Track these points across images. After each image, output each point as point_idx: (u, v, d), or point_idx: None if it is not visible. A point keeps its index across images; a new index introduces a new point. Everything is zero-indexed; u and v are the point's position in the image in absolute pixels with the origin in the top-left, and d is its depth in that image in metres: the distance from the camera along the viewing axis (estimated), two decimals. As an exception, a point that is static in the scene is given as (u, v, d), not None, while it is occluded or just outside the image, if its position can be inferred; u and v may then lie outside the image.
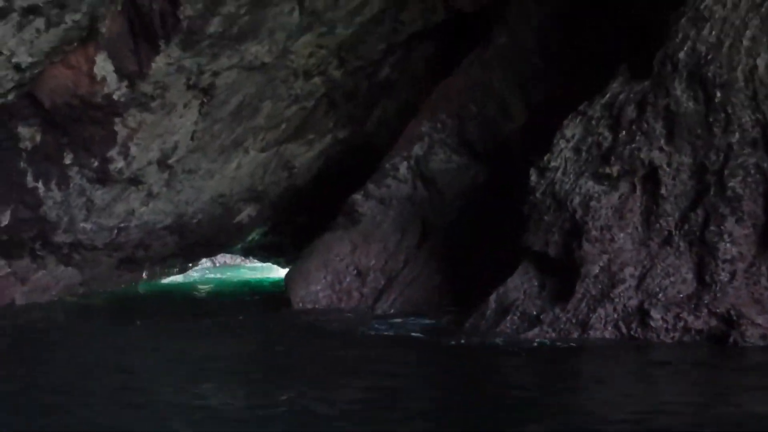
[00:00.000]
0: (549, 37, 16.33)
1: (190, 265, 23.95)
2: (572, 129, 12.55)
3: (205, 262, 30.92)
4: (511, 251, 13.83)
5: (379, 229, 16.70)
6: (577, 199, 12.34)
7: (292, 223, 22.25)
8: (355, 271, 16.54)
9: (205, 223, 19.00)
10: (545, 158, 12.71)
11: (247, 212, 19.86)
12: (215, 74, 15.16)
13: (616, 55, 14.02)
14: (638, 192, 11.97)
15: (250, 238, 22.08)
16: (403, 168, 16.80)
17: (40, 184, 15.39)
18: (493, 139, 16.39)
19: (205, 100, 15.66)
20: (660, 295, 11.43)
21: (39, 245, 16.35)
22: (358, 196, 16.94)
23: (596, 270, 12.05)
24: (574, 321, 11.79)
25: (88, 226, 16.53)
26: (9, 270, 16.43)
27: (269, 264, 27.88)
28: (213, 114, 16.10)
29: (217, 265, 36.20)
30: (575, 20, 15.72)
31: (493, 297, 13.15)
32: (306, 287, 16.51)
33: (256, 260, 28.48)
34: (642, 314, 11.42)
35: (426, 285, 15.73)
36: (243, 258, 33.48)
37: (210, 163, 17.31)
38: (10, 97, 13.69)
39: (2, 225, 15.53)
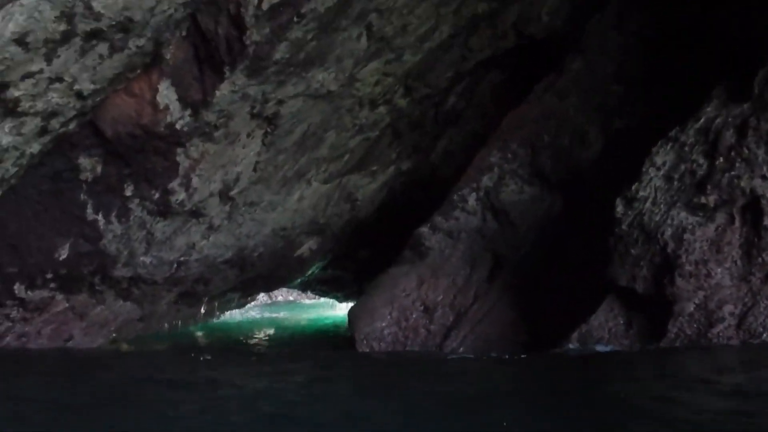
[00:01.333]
0: (629, 62, 15.51)
1: (249, 299, 23.27)
2: (663, 156, 11.64)
3: (262, 297, 30.26)
4: (593, 286, 12.93)
5: (448, 263, 15.86)
6: (668, 231, 11.42)
7: (353, 257, 21.49)
8: (422, 307, 15.70)
9: (266, 257, 18.29)
10: (633, 188, 11.81)
11: (308, 245, 19.13)
12: (280, 102, 14.49)
13: (704, 79, 13.17)
14: (737, 223, 11.03)
15: (310, 272, 21.31)
16: (471, 199, 15.96)
17: (100, 217, 14.77)
18: (567, 168, 15.50)
19: (269, 130, 14.98)
20: (765, 335, 10.47)
21: (98, 279, 15.71)
22: (424, 229, 16.13)
23: (691, 308, 11.12)
24: (668, 363, 10.80)
25: (147, 260, 15.88)
26: (67, 305, 15.80)
27: (328, 299, 27.14)
28: (277, 144, 15.43)
29: (274, 299, 35.48)
30: (658, 45, 14.87)
31: (575, 335, 12.28)
32: (371, 324, 15.71)
33: (314, 295, 27.66)
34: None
35: (498, 321, 14.84)
36: (300, 293, 32.75)
37: (272, 195, 16.62)
38: (72, 126, 13.12)
39: (61, 259, 14.93)
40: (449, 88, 17.90)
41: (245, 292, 21.65)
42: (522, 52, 17.78)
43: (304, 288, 24.19)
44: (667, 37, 14.48)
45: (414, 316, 15.59)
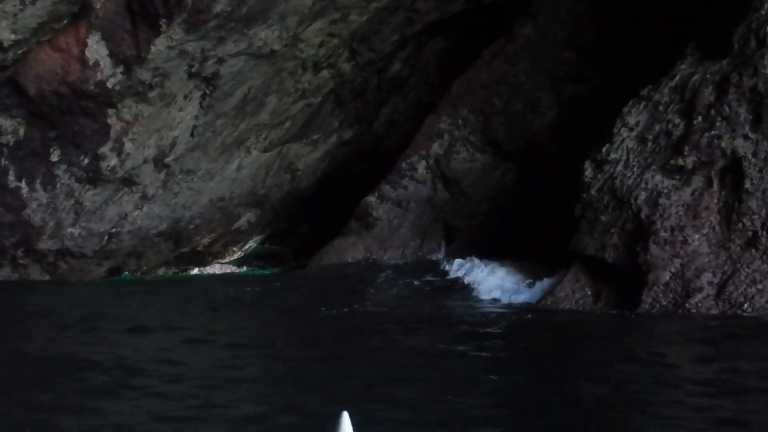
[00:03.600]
0: (581, 28, 14.54)
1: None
2: (635, 116, 10.66)
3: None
4: (554, 257, 11.90)
5: (397, 233, 14.77)
6: (642, 196, 10.43)
7: (292, 232, 20.16)
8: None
9: (203, 229, 16.85)
10: (603, 150, 10.81)
11: (246, 218, 17.75)
12: (220, 61, 13.19)
13: (661, 43, 12.29)
14: (716, 186, 10.10)
15: (247, 246, 19.91)
16: (421, 168, 14.89)
17: (23, 184, 13.29)
18: (521, 136, 14.52)
19: (208, 91, 13.65)
20: (746, 305, 9.53)
21: (21, 252, 14.16)
22: (372, 199, 15.00)
23: (667, 277, 10.15)
24: (641, 335, 9.81)
25: (76, 231, 14.35)
26: (-13, 278, 14.21)
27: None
28: (216, 107, 14.09)
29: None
30: (610, 10, 13.98)
31: (539, 306, 11.15)
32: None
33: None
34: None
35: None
36: (236, 268, 31.27)
37: (210, 163, 15.24)
38: (-10, 82, 11.56)
39: (-20, 229, 13.34)
40: (393, 54, 16.75)
41: (179, 267, 20.21)
42: (469, 17, 16.72)
43: (240, 263, 22.74)
44: (619, 2, 13.58)
45: (362, 289, 14.42)
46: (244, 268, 21.20)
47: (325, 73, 15.61)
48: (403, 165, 15.00)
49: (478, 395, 6.20)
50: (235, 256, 20.50)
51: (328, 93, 16.34)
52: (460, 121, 14.90)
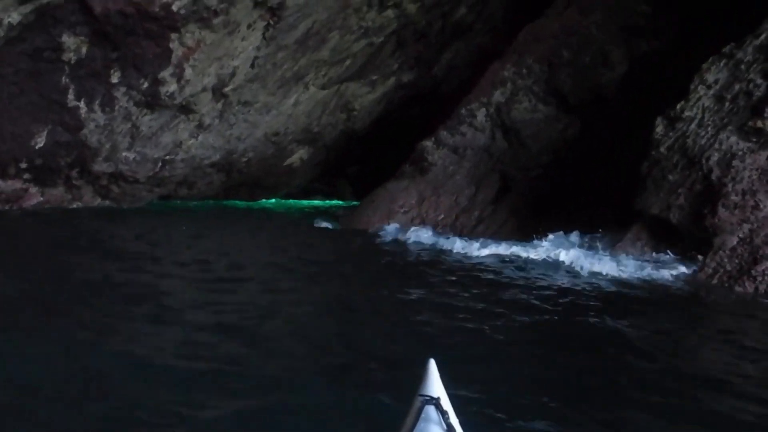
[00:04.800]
0: (658, -19, 13.91)
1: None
2: (715, 73, 10.13)
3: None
4: (615, 214, 11.51)
5: (451, 180, 14.35)
6: (715, 156, 9.95)
7: (343, 172, 19.93)
8: (421, 225, 14.19)
9: (255, 163, 16.70)
10: (678, 106, 10.28)
11: (299, 155, 17.55)
12: (287, -9, 12.80)
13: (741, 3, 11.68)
14: (795, 151, 9.55)
15: (296, 184, 19.72)
16: (481, 115, 14.40)
17: (82, 104, 13.10)
18: (587, 89, 13.98)
19: (272, 22, 13.32)
20: (815, 275, 9.08)
21: (76, 173, 14.09)
22: (428, 143, 14.58)
23: (734, 242, 9.68)
24: (704, 301, 9.44)
25: (131, 155, 14.25)
26: (41, 198, 14.13)
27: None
28: (278, 39, 13.77)
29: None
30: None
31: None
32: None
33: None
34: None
35: (504, 244, 13.40)
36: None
37: (268, 96, 14.99)
38: (57, -4, 11.32)
39: (37, 147, 13.27)
40: (461, -3, 16.29)
41: (227, 199, 20.11)
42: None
43: (287, 199, 22.61)
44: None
45: (412, 234, 14.12)
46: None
47: (389, 12, 15.22)
48: (463, 111, 14.55)
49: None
50: (283, 192, 20.36)
51: (391, 33, 15.96)
52: (524, 70, 14.39)
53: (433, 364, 3.20)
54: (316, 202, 19.59)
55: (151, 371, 4.71)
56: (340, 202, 19.28)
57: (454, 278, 8.93)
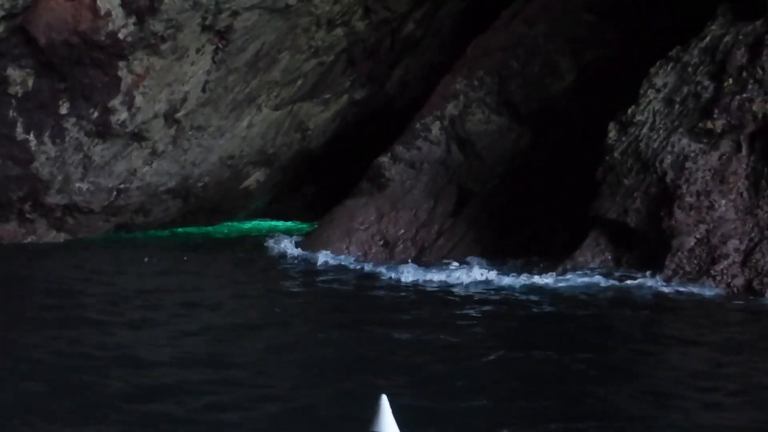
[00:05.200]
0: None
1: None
2: (663, 77, 10.29)
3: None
4: (571, 221, 11.59)
5: (409, 195, 14.33)
6: (668, 159, 10.10)
7: (299, 192, 19.78)
8: (381, 241, 14.17)
9: (211, 188, 16.51)
10: (629, 111, 10.42)
11: (255, 177, 17.40)
12: (234, 14, 12.80)
13: (688, 5, 11.85)
14: (744, 151, 9.79)
15: (254, 206, 19.55)
16: (435, 128, 14.42)
17: (31, 137, 12.91)
18: (538, 99, 14.06)
19: (221, 45, 13.26)
20: (773, 273, 9.21)
21: (29, 207, 13.84)
22: (384, 159, 14.54)
23: (692, 242, 9.85)
24: (663, 302, 9.50)
25: (84, 186, 14.03)
26: (-6, 235, 13.86)
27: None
28: (228, 62, 13.70)
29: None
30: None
31: (557, 272, 10.84)
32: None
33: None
34: (750, 295, 9.20)
35: (465, 258, 13.39)
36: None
37: (221, 120, 14.88)
38: (0, 30, 11.10)
39: (-13, 183, 12.99)
40: (408, 13, 16.33)
41: (185, 225, 19.89)
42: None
43: (247, 221, 22.36)
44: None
45: (373, 250, 14.05)
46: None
47: (338, 30, 15.21)
48: (417, 125, 14.55)
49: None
50: (241, 215, 20.18)
51: (341, 52, 15.94)
52: (476, 83, 14.44)
53: (385, 400, 3.16)
54: (277, 224, 19.42)
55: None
56: (298, 223, 19.15)
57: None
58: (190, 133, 14.53)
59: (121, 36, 12.05)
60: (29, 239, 14.34)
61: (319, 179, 19.09)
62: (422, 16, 16.69)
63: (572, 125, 13.58)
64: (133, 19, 11.95)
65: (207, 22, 12.60)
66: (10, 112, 12.53)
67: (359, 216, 14.41)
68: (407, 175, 14.42)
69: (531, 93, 14.17)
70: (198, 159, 15.34)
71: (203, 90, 13.83)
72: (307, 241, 14.78)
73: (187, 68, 13.25)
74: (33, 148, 12.97)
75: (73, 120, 12.92)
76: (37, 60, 12.07)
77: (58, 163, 13.36)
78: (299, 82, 15.71)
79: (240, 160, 16.37)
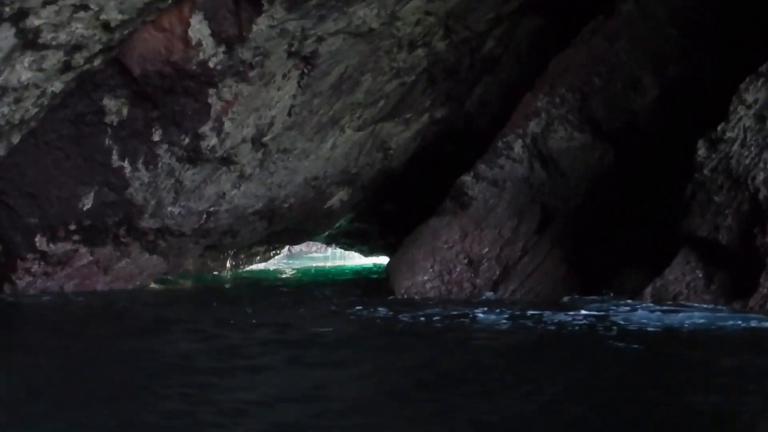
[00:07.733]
0: (684, 4, 13.77)
1: (272, 253, 21.74)
2: (753, 93, 10.04)
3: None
4: (659, 239, 11.37)
5: (493, 213, 14.27)
6: (760, 176, 9.84)
7: (380, 210, 19.87)
8: (466, 260, 14.15)
9: (296, 208, 16.71)
10: (718, 128, 10.18)
11: (338, 197, 17.55)
12: (319, 40, 12.88)
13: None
14: (843, 167, 9.38)
15: (337, 225, 19.73)
16: (517, 146, 14.33)
17: (126, 164, 13.19)
18: (620, 116, 13.85)
19: (306, 70, 13.38)
20: None
21: (123, 231, 14.15)
22: (467, 178, 14.50)
23: (787, 261, 9.50)
24: (760, 321, 9.22)
25: (176, 210, 14.32)
26: (91, 258, 14.22)
27: (339, 251, 25.52)
28: (313, 86, 13.82)
29: (293, 253, 33.88)
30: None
31: (648, 290, 10.67)
32: (411, 277, 14.12)
33: (338, 248, 25.83)
34: None
35: (550, 275, 13.35)
36: (318, 246, 31.22)
37: (306, 142, 15.02)
38: (96, 62, 11.46)
39: (84, 209, 13.38)
40: (488, 32, 16.21)
41: (271, 245, 20.16)
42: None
43: (329, 241, 22.57)
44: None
45: (458, 269, 14.04)
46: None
47: (419, 51, 15.21)
48: (499, 144, 14.47)
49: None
50: (325, 234, 20.36)
51: (422, 72, 15.94)
52: (557, 100, 14.31)
53: None
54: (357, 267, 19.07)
55: None
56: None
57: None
58: (276, 156, 14.71)
59: (211, 65, 12.25)
60: (123, 262, 14.68)
61: (399, 197, 19.13)
62: (501, 34, 16.57)
63: (656, 142, 13.36)
64: (222, 48, 12.14)
65: (293, 49, 12.73)
66: (106, 140, 12.83)
67: (443, 235, 14.38)
68: (490, 193, 14.35)
69: (613, 110, 13.96)
70: (284, 181, 15.52)
71: (289, 114, 13.98)
72: (392, 265, 14.78)
73: (274, 93, 13.41)
74: (128, 175, 13.25)
75: (165, 146, 13.17)
76: (131, 90, 12.35)
77: (151, 188, 13.63)
78: (381, 103, 15.77)
79: (324, 180, 16.52)
